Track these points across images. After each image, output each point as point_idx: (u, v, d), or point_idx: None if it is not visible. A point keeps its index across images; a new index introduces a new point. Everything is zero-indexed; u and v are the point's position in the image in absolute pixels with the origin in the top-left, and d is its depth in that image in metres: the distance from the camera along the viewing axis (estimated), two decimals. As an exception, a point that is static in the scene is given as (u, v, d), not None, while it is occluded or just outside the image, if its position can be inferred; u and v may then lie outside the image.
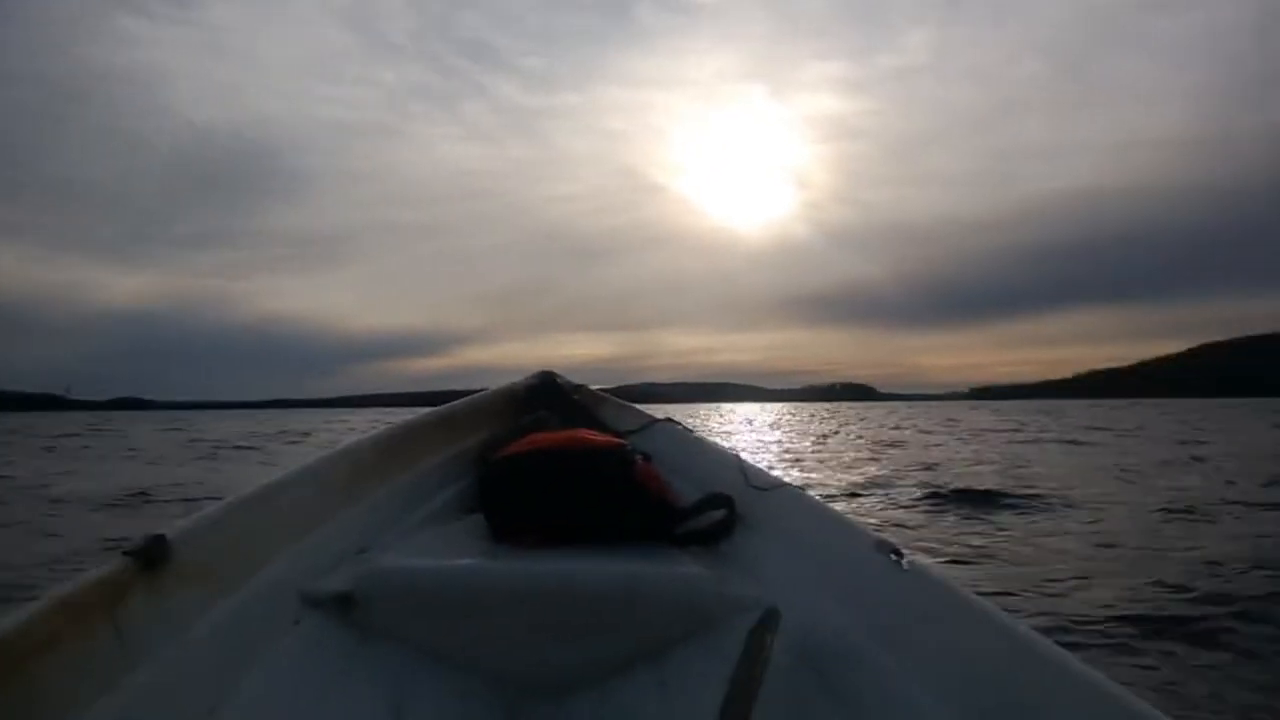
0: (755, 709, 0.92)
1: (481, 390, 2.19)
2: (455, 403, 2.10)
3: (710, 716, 0.96)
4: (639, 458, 1.54)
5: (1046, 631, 1.05)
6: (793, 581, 1.27)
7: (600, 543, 1.41)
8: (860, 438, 16.91)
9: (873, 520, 5.22)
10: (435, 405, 2.02)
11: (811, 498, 1.46)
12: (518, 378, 2.26)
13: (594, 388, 2.25)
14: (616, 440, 1.69)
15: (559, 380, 2.25)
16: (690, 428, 2.00)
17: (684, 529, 1.51)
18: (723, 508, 1.53)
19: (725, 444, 1.85)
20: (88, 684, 0.83)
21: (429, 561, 1.30)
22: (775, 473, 1.64)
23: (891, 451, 12.24)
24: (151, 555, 0.98)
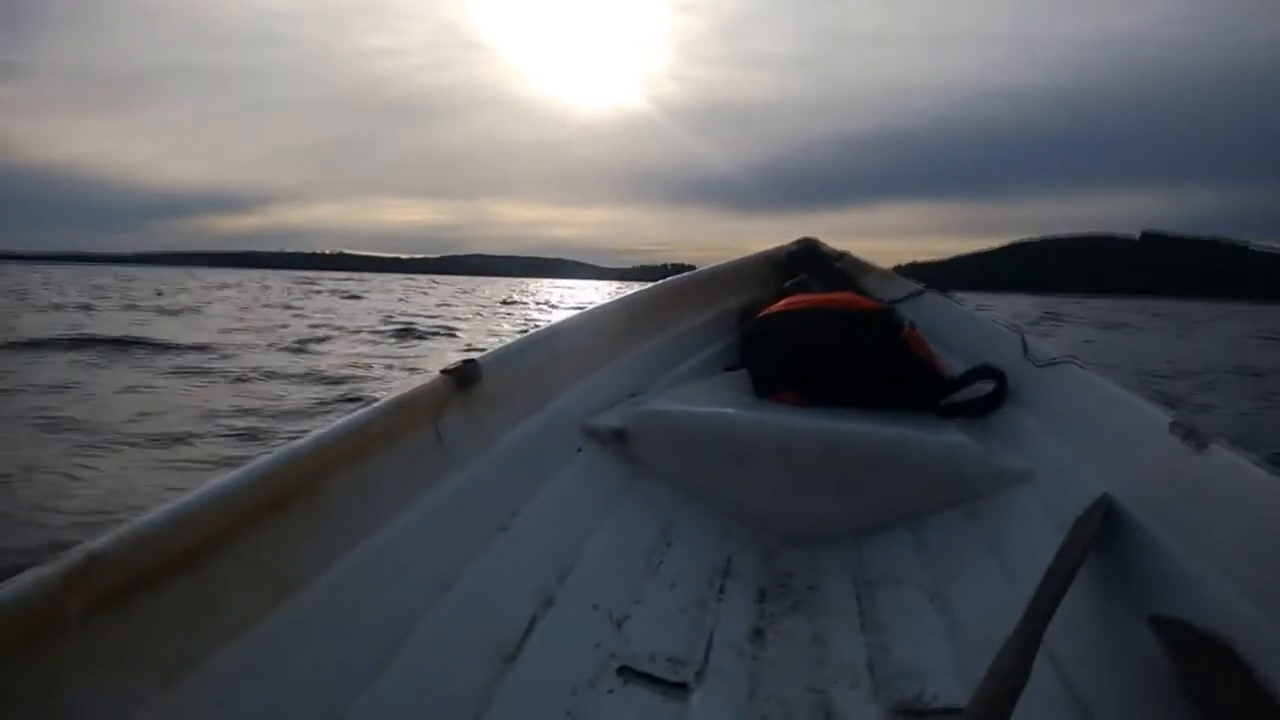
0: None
1: (739, 258, 2.19)
2: (719, 265, 2.18)
3: (972, 584, 1.00)
4: (907, 325, 1.52)
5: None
6: (1067, 458, 1.18)
7: (862, 406, 1.43)
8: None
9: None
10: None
11: (1097, 376, 1.32)
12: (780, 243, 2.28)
13: (857, 256, 2.24)
14: (882, 304, 1.68)
15: (821, 247, 2.26)
16: (960, 299, 1.94)
17: (950, 400, 1.48)
18: (993, 380, 1.48)
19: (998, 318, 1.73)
20: (415, 479, 0.93)
21: (698, 408, 1.39)
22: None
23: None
24: (466, 376, 1.08)
